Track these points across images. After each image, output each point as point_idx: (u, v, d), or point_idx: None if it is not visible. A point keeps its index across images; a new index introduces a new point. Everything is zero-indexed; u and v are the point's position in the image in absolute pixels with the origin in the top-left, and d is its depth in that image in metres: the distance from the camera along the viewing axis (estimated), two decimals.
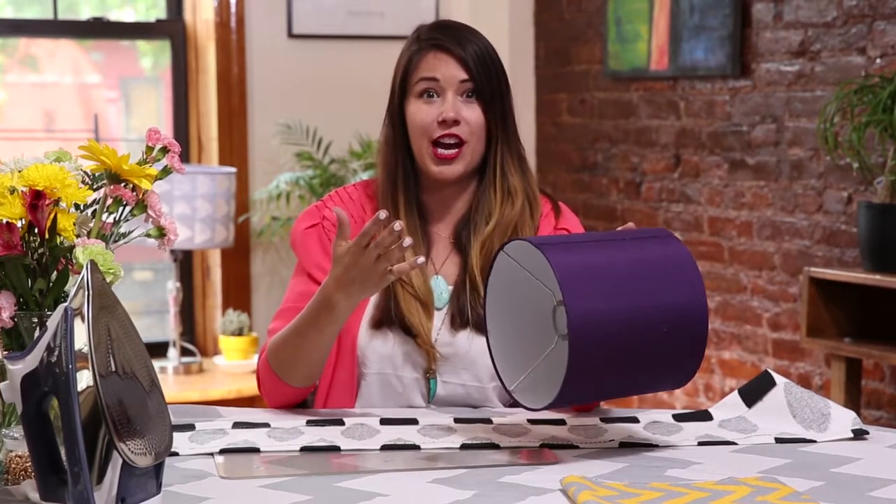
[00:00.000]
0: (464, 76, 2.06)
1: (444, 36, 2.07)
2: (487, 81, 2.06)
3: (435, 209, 2.14)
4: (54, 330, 1.39)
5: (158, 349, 4.42)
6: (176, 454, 1.73)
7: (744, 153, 4.11)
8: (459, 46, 2.06)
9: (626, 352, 1.69)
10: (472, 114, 2.06)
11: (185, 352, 4.47)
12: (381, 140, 2.15)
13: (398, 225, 1.80)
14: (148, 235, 1.72)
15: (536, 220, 2.13)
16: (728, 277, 4.20)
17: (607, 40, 4.58)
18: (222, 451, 1.75)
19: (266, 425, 1.88)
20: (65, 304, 1.40)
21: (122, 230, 1.68)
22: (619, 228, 1.87)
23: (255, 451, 1.76)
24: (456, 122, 2.05)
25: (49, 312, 1.55)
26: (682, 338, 1.73)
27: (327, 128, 4.65)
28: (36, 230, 1.55)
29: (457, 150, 2.07)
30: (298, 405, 2.08)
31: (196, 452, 1.75)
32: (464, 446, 1.78)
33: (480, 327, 1.99)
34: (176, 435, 1.69)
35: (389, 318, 2.06)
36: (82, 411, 1.36)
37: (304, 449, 1.78)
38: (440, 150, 2.07)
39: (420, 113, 2.07)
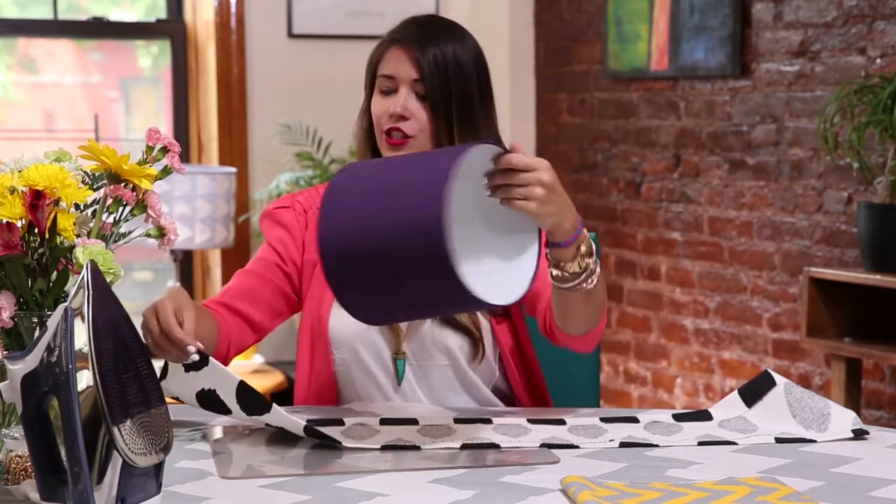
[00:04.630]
0: (415, 76, 2.07)
1: (408, 33, 2.10)
2: (440, 85, 2.07)
3: None
4: (54, 330, 1.39)
5: None
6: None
7: (744, 153, 4.11)
8: (419, 46, 2.07)
9: (378, 269, 1.68)
10: (420, 112, 2.08)
11: None
12: (355, 130, 2.21)
13: (194, 356, 1.78)
14: (148, 235, 1.72)
15: None
16: (728, 277, 4.20)
17: (607, 40, 4.58)
18: (238, 392, 1.77)
19: (266, 425, 1.88)
20: (65, 304, 1.40)
21: (122, 230, 1.68)
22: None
23: (267, 403, 1.78)
24: (403, 118, 2.08)
25: (49, 312, 1.55)
26: (421, 252, 1.64)
27: (327, 128, 4.65)
28: (36, 230, 1.55)
29: (403, 139, 2.09)
30: (292, 404, 2.11)
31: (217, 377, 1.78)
32: (464, 446, 1.78)
33: None
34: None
35: None
36: (82, 411, 1.36)
37: (307, 431, 1.78)
38: (389, 138, 2.10)
39: (376, 106, 2.11)
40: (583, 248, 1.83)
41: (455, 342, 2.09)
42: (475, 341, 2.09)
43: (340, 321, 2.09)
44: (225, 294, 2.10)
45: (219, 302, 2.09)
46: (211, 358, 1.79)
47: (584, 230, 1.83)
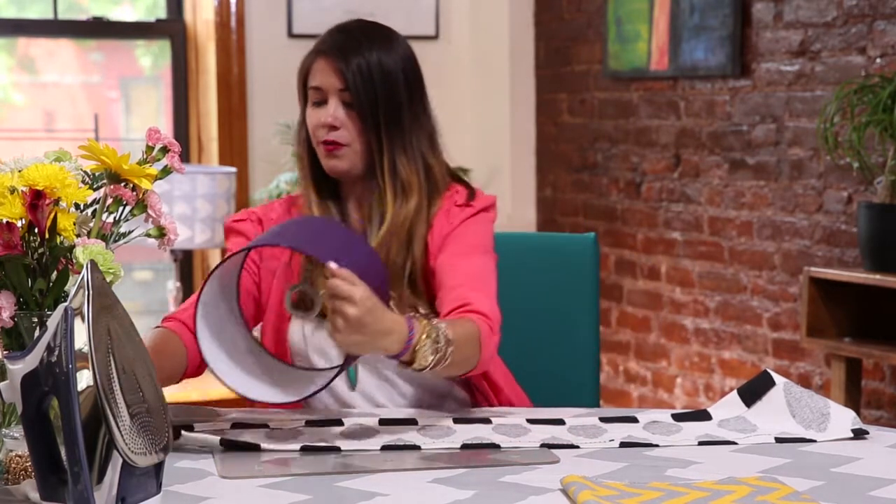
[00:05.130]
0: (340, 85, 2.11)
1: (333, 43, 2.14)
2: (366, 93, 2.10)
3: (350, 201, 2.19)
4: (54, 330, 1.39)
5: None
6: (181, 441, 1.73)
7: (744, 153, 4.11)
8: (342, 57, 2.11)
9: None
10: (348, 121, 2.11)
11: None
12: (295, 142, 2.24)
13: None
14: (148, 235, 1.72)
15: (431, 216, 2.14)
16: (728, 277, 4.20)
17: (607, 40, 4.58)
18: (223, 442, 1.76)
19: (265, 426, 1.89)
20: (65, 304, 1.40)
21: (122, 230, 1.68)
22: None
23: (256, 447, 1.76)
24: (335, 128, 2.11)
25: (49, 312, 1.55)
26: None
27: None
28: (36, 230, 1.55)
29: (337, 146, 2.12)
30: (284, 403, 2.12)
31: (198, 442, 1.76)
32: (464, 446, 1.79)
33: None
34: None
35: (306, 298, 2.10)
36: (82, 411, 1.36)
37: (304, 449, 1.78)
38: (325, 146, 2.12)
39: (310, 118, 2.15)
40: (419, 346, 1.82)
41: None
42: None
43: (296, 331, 2.12)
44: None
45: (192, 313, 2.09)
46: (182, 433, 1.80)
47: (421, 327, 1.81)
